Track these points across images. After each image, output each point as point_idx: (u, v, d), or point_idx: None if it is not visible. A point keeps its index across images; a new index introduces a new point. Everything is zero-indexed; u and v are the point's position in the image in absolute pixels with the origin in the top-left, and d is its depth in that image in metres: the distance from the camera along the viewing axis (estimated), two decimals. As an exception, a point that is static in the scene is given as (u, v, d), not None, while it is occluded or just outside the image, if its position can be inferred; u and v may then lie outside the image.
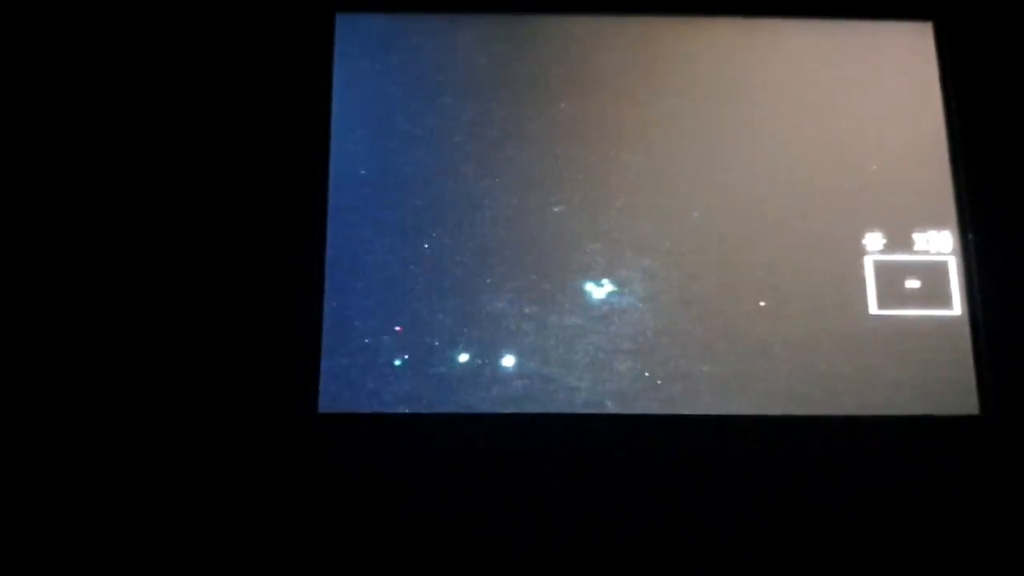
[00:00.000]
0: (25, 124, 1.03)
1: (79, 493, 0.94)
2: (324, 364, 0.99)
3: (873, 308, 1.03)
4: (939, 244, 1.05)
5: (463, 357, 1.00)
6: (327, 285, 1.01)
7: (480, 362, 1.00)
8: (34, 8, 1.06)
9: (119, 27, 1.06)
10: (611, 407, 0.99)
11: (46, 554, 0.93)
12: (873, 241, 1.05)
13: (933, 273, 1.04)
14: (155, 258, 1.00)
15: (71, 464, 0.95)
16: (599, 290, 1.03)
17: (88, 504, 0.94)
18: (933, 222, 1.05)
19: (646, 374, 1.00)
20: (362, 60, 1.08)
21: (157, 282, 0.99)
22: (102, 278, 0.99)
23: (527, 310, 1.02)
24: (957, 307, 1.03)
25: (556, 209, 1.04)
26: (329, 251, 1.02)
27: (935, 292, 1.04)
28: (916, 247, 1.05)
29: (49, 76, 1.04)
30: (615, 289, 1.03)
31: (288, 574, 0.93)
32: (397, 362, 1.00)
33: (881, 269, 1.04)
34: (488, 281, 1.02)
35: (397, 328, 1.00)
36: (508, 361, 1.00)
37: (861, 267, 1.04)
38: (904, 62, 1.11)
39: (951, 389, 1.00)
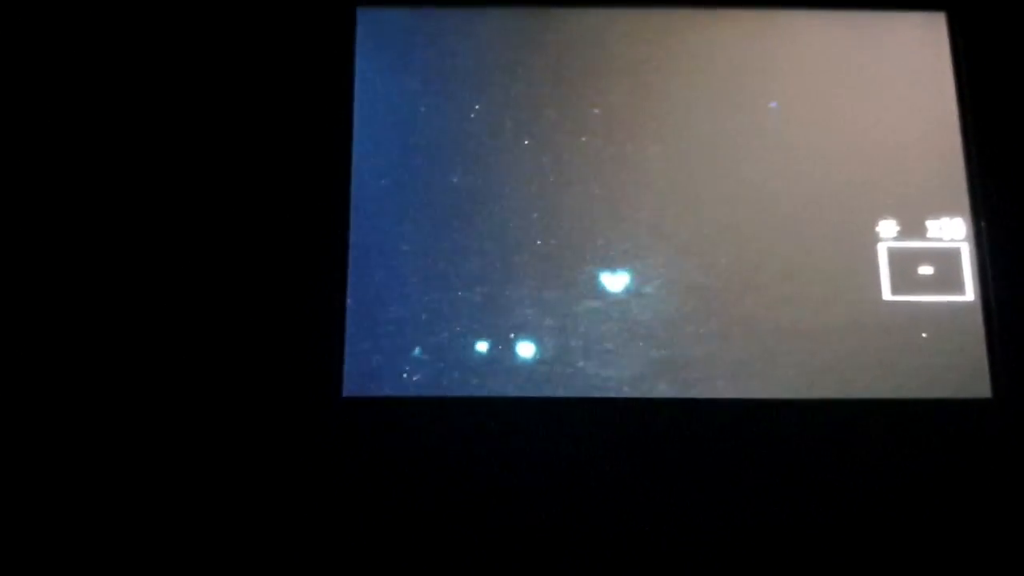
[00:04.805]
0: (59, 120, 1.05)
1: (106, 477, 0.96)
2: (348, 349, 1.01)
3: (887, 294, 1.04)
4: (952, 231, 1.06)
5: (484, 343, 1.02)
6: (351, 272, 1.03)
7: (501, 347, 1.02)
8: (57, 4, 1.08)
9: (142, 24, 1.08)
10: (629, 391, 1.01)
11: (75, 537, 0.95)
12: (887, 228, 1.06)
13: (946, 259, 1.05)
14: (182, 246, 1.02)
15: (99, 449, 0.97)
16: (617, 278, 1.04)
17: (113, 489, 0.96)
18: (946, 209, 1.06)
19: (663, 359, 1.02)
20: (383, 54, 1.09)
21: (185, 270, 1.01)
22: (134, 267, 1.01)
23: (547, 297, 1.03)
24: (970, 293, 1.04)
25: (576, 199, 1.06)
26: (352, 239, 1.03)
27: (948, 278, 1.05)
28: (929, 234, 1.06)
29: (72, 74, 1.07)
30: (633, 277, 1.04)
31: (313, 557, 0.95)
32: (420, 348, 1.02)
33: (895, 256, 1.05)
34: (509, 269, 1.04)
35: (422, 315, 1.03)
36: (528, 346, 1.02)
37: (875, 254, 1.05)
38: (917, 51, 1.11)
39: (964, 373, 1.02)
